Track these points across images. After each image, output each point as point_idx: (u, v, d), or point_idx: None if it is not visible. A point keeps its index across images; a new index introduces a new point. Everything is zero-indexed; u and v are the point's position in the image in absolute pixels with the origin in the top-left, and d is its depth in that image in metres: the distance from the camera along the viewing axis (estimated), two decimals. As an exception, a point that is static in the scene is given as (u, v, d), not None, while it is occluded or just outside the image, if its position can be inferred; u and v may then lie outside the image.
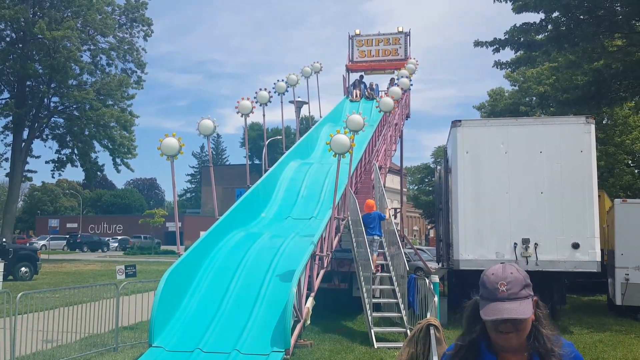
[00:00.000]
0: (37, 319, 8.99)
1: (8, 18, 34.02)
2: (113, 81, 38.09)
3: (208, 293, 9.54)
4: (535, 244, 11.90)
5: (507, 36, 19.38)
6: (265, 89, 15.07)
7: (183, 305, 9.21)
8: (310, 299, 9.82)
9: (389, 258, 12.50)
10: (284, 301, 8.54)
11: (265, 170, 15.70)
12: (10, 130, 37.73)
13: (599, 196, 13.13)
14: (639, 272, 12.87)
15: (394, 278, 11.75)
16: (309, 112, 23.48)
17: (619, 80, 20.55)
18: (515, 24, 19.16)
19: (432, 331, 3.84)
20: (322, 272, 11.03)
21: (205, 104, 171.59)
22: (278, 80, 16.56)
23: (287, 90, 16.82)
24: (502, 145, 12.44)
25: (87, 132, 38.70)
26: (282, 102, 17.42)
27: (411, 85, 19.13)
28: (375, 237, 12.36)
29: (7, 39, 37.01)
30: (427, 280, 10.65)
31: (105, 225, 78.64)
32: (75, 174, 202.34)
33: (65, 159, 40.32)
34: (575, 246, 11.77)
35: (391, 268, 12.11)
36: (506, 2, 18.19)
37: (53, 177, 44.60)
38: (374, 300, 11.30)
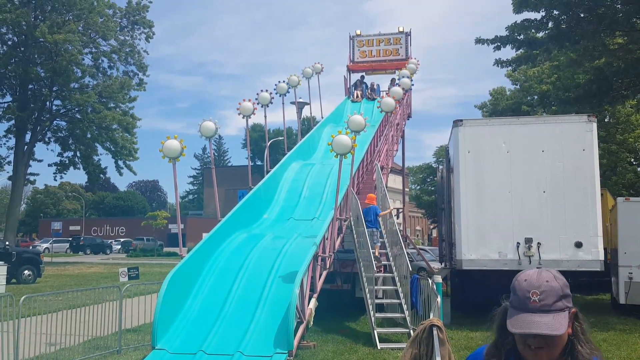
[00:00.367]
0: (40, 321, 9.00)
1: (10, 22, 34.10)
2: (115, 84, 38.16)
3: (211, 295, 9.54)
4: (538, 243, 11.88)
5: (508, 32, 19.35)
6: (267, 90, 15.09)
7: (186, 307, 9.21)
8: (313, 300, 9.81)
9: (391, 258, 12.49)
10: (287, 302, 8.53)
11: (267, 172, 15.71)
12: (12, 134, 37.81)
13: (602, 195, 13.11)
14: (642, 271, 12.84)
15: (397, 278, 11.74)
16: (311, 113, 23.56)
17: (620, 79, 20.53)
18: (516, 21, 19.16)
19: (435, 332, 3.83)
20: (324, 273, 11.02)
21: (206, 106, 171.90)
22: (279, 82, 16.58)
23: (288, 91, 16.83)
24: (504, 144, 12.42)
25: (89, 135, 38.76)
26: (283, 103, 17.46)
27: (412, 85, 19.11)
28: (374, 230, 12.67)
29: (9, 43, 37.11)
30: (430, 281, 10.65)
31: (107, 228, 78.76)
32: (77, 176, 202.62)
33: (67, 161, 40.42)
34: (578, 245, 11.75)
35: (394, 268, 12.10)
36: None
37: (55, 180, 44.74)
38: (377, 301, 11.30)
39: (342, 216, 12.75)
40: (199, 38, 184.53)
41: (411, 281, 11.35)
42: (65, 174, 41.12)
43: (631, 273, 12.89)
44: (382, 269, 12.45)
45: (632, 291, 12.84)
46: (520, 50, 21.13)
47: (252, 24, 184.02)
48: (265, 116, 15.84)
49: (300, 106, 21.62)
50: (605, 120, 27.04)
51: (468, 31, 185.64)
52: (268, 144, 20.79)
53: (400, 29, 24.86)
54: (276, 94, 16.04)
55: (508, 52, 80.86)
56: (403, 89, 17.17)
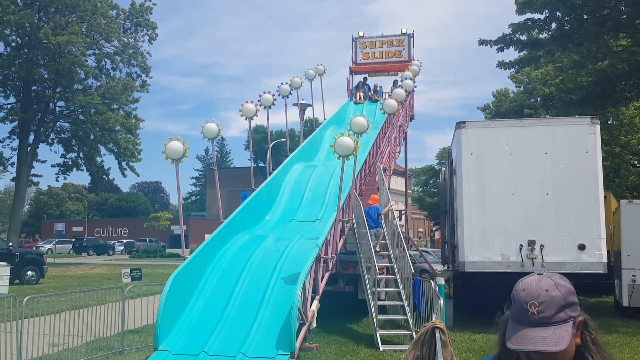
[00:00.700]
0: (43, 322, 9.02)
1: (13, 23, 34.22)
2: (118, 85, 38.22)
3: (213, 296, 9.55)
4: (541, 245, 11.86)
5: (510, 30, 19.32)
6: (269, 92, 15.11)
7: (188, 308, 9.23)
8: (316, 302, 9.81)
9: (394, 260, 12.49)
10: (289, 304, 8.53)
11: (270, 173, 15.71)
12: (16, 135, 37.90)
13: (605, 197, 13.07)
14: (645, 273, 12.80)
15: (399, 280, 11.73)
16: (313, 115, 23.53)
17: (624, 81, 20.49)
18: (519, 21, 19.15)
19: (437, 334, 3.83)
20: (327, 274, 11.02)
21: (208, 107, 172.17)
22: (282, 83, 16.59)
23: (291, 93, 16.84)
24: (506, 146, 12.40)
25: (92, 137, 38.83)
26: (286, 105, 17.47)
27: (415, 86, 19.12)
28: (380, 230, 12.93)
29: (13, 44, 37.21)
30: (432, 283, 10.64)
31: (110, 229, 78.89)
32: (80, 177, 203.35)
33: (70, 163, 40.51)
34: (582, 247, 11.72)
35: (396, 270, 12.09)
36: None
37: (58, 181, 44.82)
38: (379, 303, 11.29)
39: (345, 218, 12.76)
40: (201, 40, 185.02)
41: (413, 283, 11.35)
42: (68, 175, 41.26)
43: (634, 275, 12.86)
44: (384, 267, 12.46)
45: (635, 294, 12.80)
46: (524, 52, 21.12)
47: (254, 26, 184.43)
48: (267, 118, 15.89)
49: (302, 108, 21.63)
50: (609, 122, 26.98)
51: (471, 33, 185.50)
52: (270, 145, 20.80)
53: (403, 31, 24.85)
54: (279, 95, 16.06)
55: (511, 54, 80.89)
56: (405, 90, 17.19)
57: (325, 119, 21.44)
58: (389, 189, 14.77)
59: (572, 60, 21.48)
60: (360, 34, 25.14)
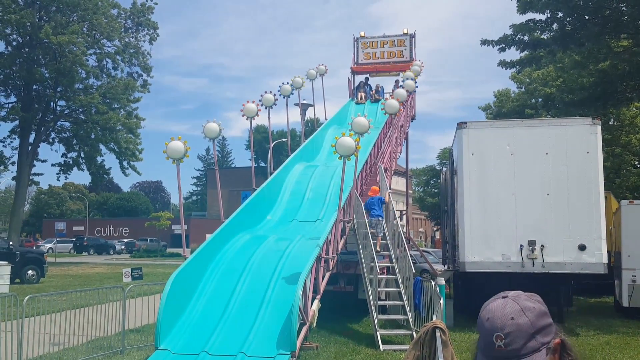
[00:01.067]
0: (44, 321, 9.03)
1: (14, 22, 34.22)
2: (119, 85, 38.23)
3: (214, 296, 9.56)
4: (542, 245, 11.86)
5: (512, 30, 19.32)
6: (271, 92, 15.12)
7: (189, 308, 9.24)
8: (316, 302, 9.82)
9: (394, 260, 12.50)
10: (290, 304, 8.54)
11: (271, 173, 15.71)
12: (17, 134, 37.93)
13: (606, 197, 13.08)
14: (646, 274, 12.81)
15: (400, 280, 11.74)
16: (314, 115, 23.49)
17: (625, 81, 20.49)
18: (521, 22, 19.14)
19: (438, 334, 3.83)
20: (327, 274, 11.03)
21: (210, 107, 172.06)
22: (283, 83, 16.59)
23: (292, 93, 16.84)
24: (507, 146, 12.41)
25: (93, 136, 38.86)
26: (287, 105, 17.45)
27: (416, 87, 19.11)
28: (380, 219, 12.91)
29: (14, 44, 37.22)
30: (433, 283, 10.64)
31: (111, 228, 78.88)
32: (81, 177, 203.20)
33: (71, 162, 40.51)
34: (582, 248, 11.73)
35: (397, 270, 12.10)
36: None
37: (59, 180, 44.83)
38: (380, 303, 11.30)
39: (346, 218, 12.76)
40: (203, 41, 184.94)
41: (414, 283, 11.36)
42: (69, 174, 41.24)
43: (634, 276, 12.87)
44: (384, 271, 12.47)
45: (635, 294, 12.81)
46: (525, 52, 21.11)
47: (256, 27, 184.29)
48: (269, 118, 15.90)
49: (304, 108, 21.62)
50: (610, 122, 26.97)
51: (472, 34, 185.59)
52: (271, 145, 20.79)
53: (405, 31, 24.85)
54: (280, 95, 16.07)
55: (513, 54, 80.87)
56: (407, 90, 17.18)
57: (326, 119, 21.44)
58: (390, 189, 14.79)
59: (574, 60, 21.47)
60: (362, 34, 25.14)
